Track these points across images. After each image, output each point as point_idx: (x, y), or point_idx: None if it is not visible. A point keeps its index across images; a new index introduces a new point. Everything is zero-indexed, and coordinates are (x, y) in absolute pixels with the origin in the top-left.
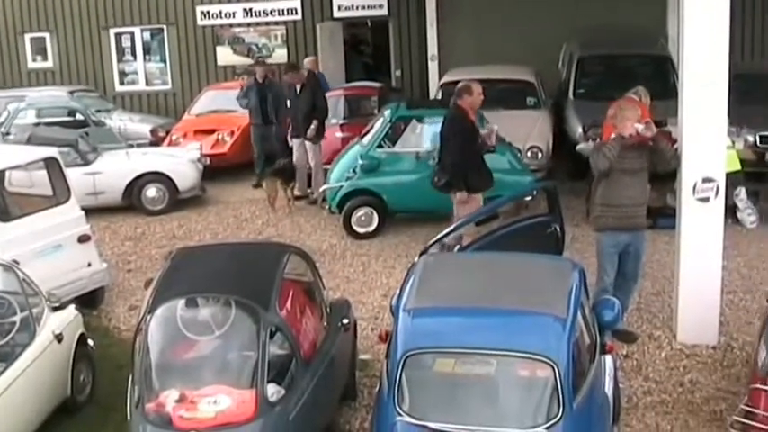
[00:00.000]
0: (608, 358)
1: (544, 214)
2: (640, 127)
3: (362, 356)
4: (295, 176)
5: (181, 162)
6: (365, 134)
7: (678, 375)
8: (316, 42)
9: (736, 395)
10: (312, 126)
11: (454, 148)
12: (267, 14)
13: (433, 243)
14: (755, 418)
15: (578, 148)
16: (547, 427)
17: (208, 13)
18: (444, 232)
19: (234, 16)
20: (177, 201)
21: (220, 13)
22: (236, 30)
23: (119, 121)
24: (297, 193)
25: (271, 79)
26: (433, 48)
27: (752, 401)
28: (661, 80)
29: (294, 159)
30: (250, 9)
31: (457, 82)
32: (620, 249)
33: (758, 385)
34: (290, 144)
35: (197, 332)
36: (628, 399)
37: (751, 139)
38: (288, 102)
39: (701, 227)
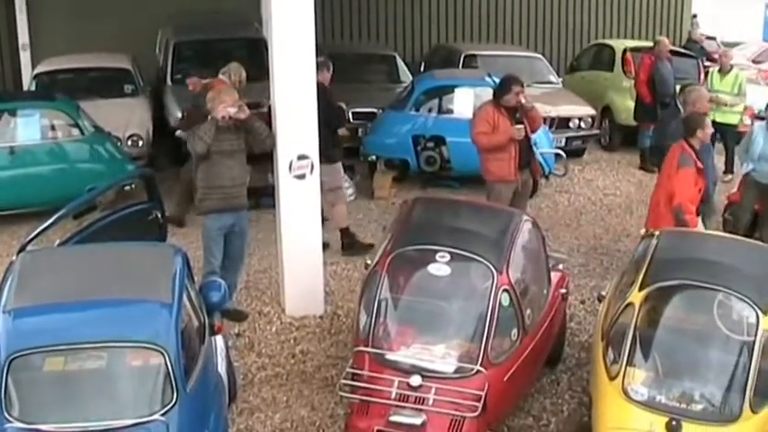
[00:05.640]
0: (219, 339)
1: (144, 201)
2: (232, 110)
3: None
4: None
5: None
6: None
7: (290, 348)
8: None
9: (344, 360)
10: None
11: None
12: None
13: (31, 240)
14: (360, 378)
15: (178, 133)
16: (162, 414)
17: None
18: (42, 227)
19: None
20: None
21: None
22: None
23: None
24: None
25: None
26: (23, 36)
27: (356, 364)
28: (256, 62)
29: None
30: None
31: (53, 72)
32: (225, 230)
33: (361, 348)
34: None
35: None
36: (243, 376)
37: None
38: None
39: (299, 202)
